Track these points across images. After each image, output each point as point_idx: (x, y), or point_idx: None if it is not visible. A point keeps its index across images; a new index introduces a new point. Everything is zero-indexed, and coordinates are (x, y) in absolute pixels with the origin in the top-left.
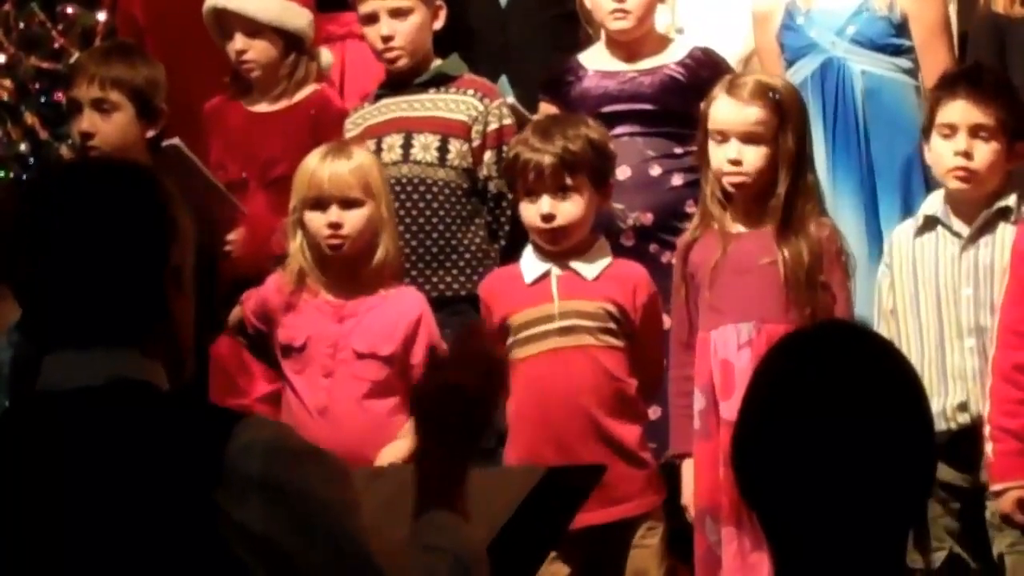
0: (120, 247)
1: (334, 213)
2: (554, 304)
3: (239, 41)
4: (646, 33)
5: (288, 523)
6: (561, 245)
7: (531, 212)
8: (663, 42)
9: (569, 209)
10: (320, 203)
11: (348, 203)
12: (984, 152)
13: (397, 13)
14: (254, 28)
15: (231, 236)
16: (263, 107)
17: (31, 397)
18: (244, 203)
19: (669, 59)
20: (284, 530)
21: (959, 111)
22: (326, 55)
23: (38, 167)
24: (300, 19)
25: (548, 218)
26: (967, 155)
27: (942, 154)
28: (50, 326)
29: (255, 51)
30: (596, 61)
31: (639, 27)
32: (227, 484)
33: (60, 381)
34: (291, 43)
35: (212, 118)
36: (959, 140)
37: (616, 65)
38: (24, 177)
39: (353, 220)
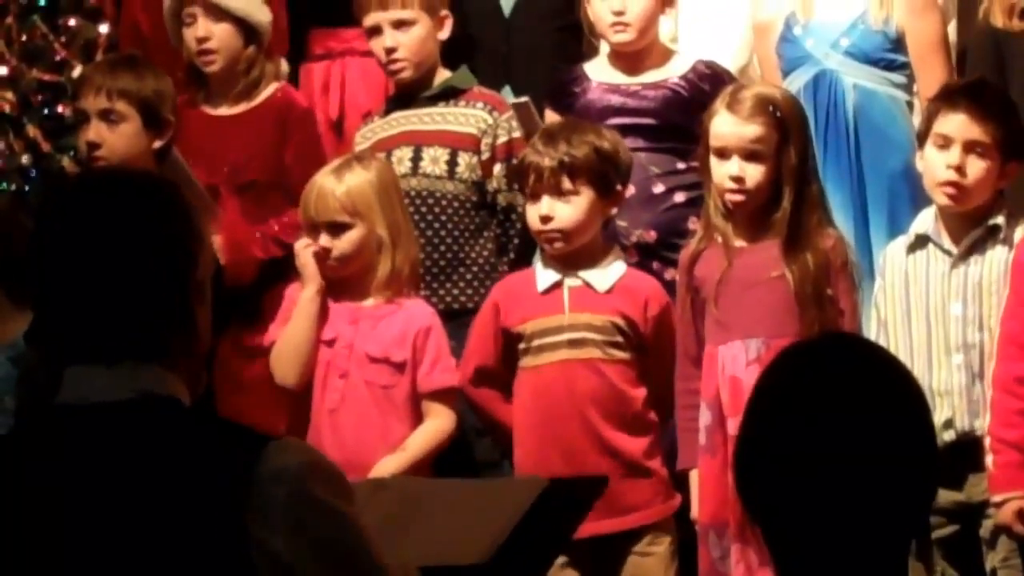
0: (152, 261)
1: (323, 239)
2: (565, 316)
3: (202, 27)
4: (649, 45)
5: (312, 556)
6: (560, 249)
7: (532, 214)
8: (667, 55)
9: (566, 211)
10: (313, 228)
11: (336, 227)
12: (977, 169)
13: (400, 24)
14: (218, 15)
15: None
16: (224, 110)
17: (53, 410)
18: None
19: (672, 73)
20: (308, 562)
21: (957, 124)
22: (284, 64)
23: (41, 179)
24: (263, 14)
25: (545, 219)
26: (959, 170)
27: (935, 165)
28: (75, 340)
29: (217, 39)
30: (600, 73)
31: (640, 39)
32: (256, 508)
33: (85, 394)
34: (251, 37)
35: None
36: (953, 153)
37: (619, 78)
38: (27, 189)
39: (342, 245)
